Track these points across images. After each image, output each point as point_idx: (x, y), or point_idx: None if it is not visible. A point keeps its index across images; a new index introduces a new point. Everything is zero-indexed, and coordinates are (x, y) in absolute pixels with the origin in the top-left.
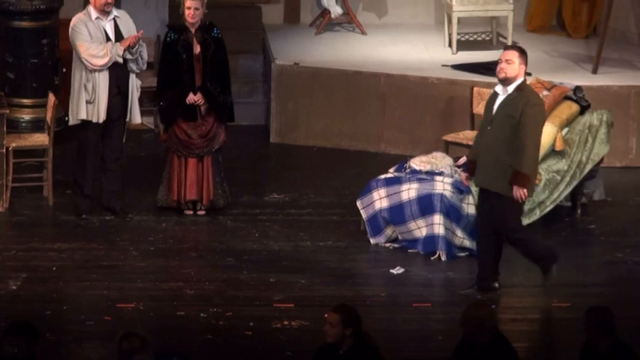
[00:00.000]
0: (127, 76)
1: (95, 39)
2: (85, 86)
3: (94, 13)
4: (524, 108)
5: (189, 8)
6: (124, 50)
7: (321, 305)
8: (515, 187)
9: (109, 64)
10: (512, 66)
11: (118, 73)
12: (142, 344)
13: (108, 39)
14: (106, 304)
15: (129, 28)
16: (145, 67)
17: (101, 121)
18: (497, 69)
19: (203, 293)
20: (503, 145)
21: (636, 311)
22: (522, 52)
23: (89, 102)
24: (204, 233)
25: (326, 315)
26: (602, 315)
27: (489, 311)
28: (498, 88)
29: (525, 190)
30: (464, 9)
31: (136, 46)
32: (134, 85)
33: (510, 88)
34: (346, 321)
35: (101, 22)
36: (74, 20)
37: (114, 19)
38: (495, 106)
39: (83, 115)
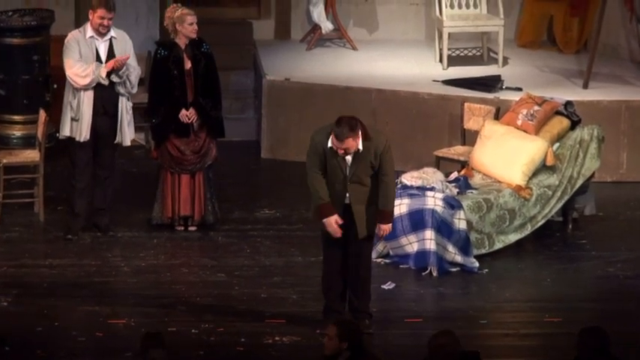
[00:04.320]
0: (116, 98)
1: (84, 58)
2: (71, 103)
3: (89, 32)
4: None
5: (191, 24)
6: (110, 73)
7: (312, 321)
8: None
9: (91, 85)
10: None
11: (103, 93)
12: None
13: (99, 59)
14: (98, 320)
15: (124, 50)
16: (134, 91)
17: (83, 139)
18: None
19: (194, 309)
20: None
21: (627, 326)
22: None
23: (73, 119)
24: (195, 249)
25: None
26: (596, 335)
27: (453, 338)
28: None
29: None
30: (454, 24)
31: (123, 69)
32: (124, 107)
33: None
34: (342, 335)
35: (95, 41)
36: (68, 37)
37: (110, 39)
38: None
39: (67, 132)
